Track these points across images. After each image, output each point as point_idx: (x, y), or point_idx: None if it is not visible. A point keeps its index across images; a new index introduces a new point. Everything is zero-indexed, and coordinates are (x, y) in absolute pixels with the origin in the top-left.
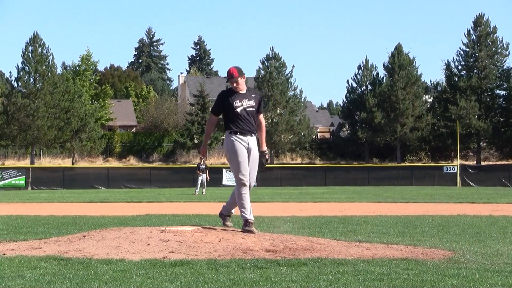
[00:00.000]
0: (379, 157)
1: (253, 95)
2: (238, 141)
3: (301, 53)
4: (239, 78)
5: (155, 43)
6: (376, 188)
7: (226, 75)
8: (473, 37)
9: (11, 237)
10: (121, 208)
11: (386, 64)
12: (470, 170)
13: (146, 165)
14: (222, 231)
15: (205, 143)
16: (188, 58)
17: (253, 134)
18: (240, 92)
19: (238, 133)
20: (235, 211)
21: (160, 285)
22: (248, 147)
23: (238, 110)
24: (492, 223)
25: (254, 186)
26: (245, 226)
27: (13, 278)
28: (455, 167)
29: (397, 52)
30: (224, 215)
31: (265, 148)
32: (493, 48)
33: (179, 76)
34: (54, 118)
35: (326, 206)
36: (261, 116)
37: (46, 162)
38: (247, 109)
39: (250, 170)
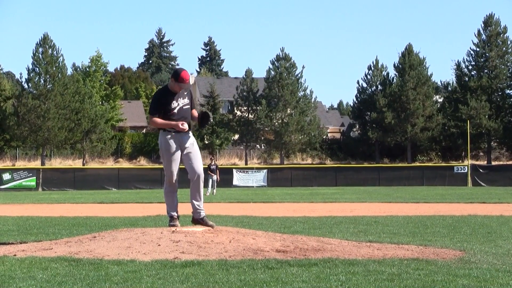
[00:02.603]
0: (390, 157)
1: (185, 93)
2: (171, 140)
3: (311, 54)
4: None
5: (165, 44)
6: (387, 188)
7: (235, 76)
8: (483, 37)
9: (22, 238)
10: (132, 209)
11: (396, 64)
12: (481, 170)
13: (157, 165)
14: (233, 232)
15: (170, 123)
16: (198, 59)
17: (187, 131)
18: (178, 92)
19: (172, 132)
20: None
21: (171, 286)
22: (181, 145)
23: (175, 110)
24: (503, 223)
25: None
26: (170, 222)
27: (24, 279)
28: (466, 167)
29: (408, 52)
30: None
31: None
32: (504, 48)
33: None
34: (65, 119)
35: (337, 206)
36: (194, 111)
37: (56, 163)
38: (184, 107)
39: (192, 163)
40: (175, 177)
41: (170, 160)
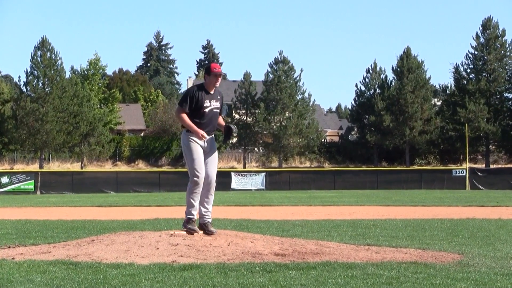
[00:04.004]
0: (388, 160)
1: (218, 97)
2: (194, 140)
3: (310, 57)
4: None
5: (163, 47)
6: (385, 191)
7: (234, 79)
8: (482, 40)
9: (20, 242)
10: (130, 212)
11: (394, 67)
12: (479, 173)
13: (155, 169)
14: (231, 235)
15: (195, 128)
16: (197, 62)
17: (210, 134)
18: (210, 92)
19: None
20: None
21: None
22: (204, 146)
23: (206, 110)
24: (501, 226)
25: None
26: (188, 224)
27: (22, 283)
28: (464, 170)
29: (406, 55)
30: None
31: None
32: (502, 51)
33: (187, 80)
34: (63, 123)
35: (335, 209)
36: (220, 117)
37: (55, 166)
38: (214, 110)
39: (207, 167)
40: (201, 175)
41: (194, 159)
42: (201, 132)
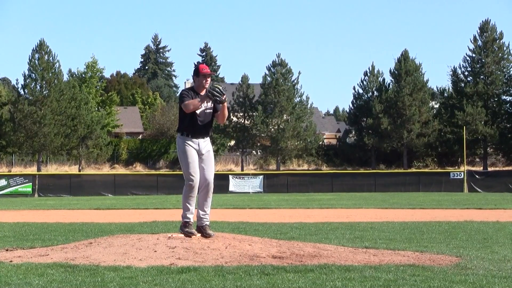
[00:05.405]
0: (386, 163)
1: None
2: (188, 144)
3: (308, 60)
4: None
5: (161, 50)
6: (383, 194)
7: (232, 82)
8: (480, 43)
9: (18, 244)
10: (128, 215)
11: (392, 70)
12: (477, 176)
13: (153, 172)
14: (229, 238)
15: (203, 98)
16: (194, 64)
17: (205, 137)
18: (201, 94)
19: (190, 136)
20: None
21: None
22: (199, 150)
23: (198, 112)
24: (499, 229)
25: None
26: (185, 227)
27: (20, 285)
28: (462, 173)
29: (404, 58)
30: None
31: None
32: (500, 54)
33: (185, 82)
34: (61, 125)
35: (333, 212)
36: (223, 107)
37: (52, 169)
38: (206, 111)
39: (204, 170)
40: (195, 179)
41: (189, 162)
42: (199, 96)
